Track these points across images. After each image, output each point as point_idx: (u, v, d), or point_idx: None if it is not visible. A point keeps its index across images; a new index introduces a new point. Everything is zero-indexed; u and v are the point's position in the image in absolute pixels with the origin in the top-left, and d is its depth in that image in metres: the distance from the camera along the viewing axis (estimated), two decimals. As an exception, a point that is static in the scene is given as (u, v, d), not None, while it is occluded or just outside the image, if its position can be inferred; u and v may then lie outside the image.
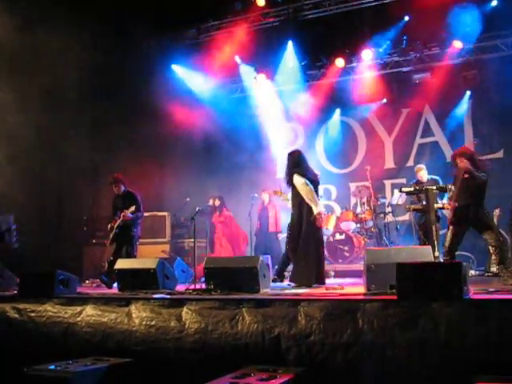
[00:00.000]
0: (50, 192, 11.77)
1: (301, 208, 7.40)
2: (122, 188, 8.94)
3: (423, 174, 9.39)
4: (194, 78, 13.32)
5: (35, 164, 11.05)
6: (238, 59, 13.13)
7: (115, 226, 8.66)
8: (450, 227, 7.06)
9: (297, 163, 7.60)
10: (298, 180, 7.40)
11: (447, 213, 7.23)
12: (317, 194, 7.48)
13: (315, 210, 7.29)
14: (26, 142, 10.21)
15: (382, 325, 4.39)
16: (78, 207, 12.09)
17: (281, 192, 9.01)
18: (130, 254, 8.59)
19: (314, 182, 7.57)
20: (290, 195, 7.86)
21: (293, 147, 13.37)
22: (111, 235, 8.69)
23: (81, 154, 11.60)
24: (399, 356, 4.21)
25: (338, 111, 13.12)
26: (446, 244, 7.05)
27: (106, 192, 10.13)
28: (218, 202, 11.72)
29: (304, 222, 7.34)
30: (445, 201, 8.47)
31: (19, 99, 9.80)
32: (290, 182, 7.56)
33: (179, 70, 13.36)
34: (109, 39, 11.14)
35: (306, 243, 7.30)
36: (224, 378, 4.12)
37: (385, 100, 12.50)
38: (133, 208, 8.65)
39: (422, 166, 9.62)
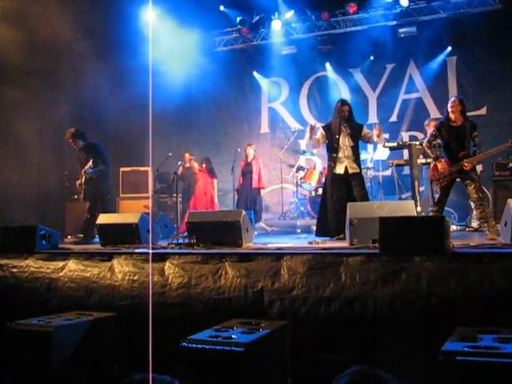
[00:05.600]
0: (31, 147, 11.57)
1: None
2: (81, 143, 8.59)
3: None
4: (170, 27, 12.18)
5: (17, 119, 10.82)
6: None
7: (83, 182, 8.45)
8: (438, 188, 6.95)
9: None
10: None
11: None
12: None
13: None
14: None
15: (365, 279, 4.42)
16: (59, 162, 11.89)
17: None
18: (105, 210, 8.40)
19: None
20: None
21: (276, 101, 13.47)
22: (82, 191, 8.48)
23: (62, 108, 11.35)
24: (381, 310, 4.26)
25: (322, 66, 12.93)
26: (436, 196, 6.99)
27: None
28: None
29: None
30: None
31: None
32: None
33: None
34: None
35: None
36: (206, 331, 4.14)
37: (371, 57, 12.33)
38: (90, 163, 8.32)
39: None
